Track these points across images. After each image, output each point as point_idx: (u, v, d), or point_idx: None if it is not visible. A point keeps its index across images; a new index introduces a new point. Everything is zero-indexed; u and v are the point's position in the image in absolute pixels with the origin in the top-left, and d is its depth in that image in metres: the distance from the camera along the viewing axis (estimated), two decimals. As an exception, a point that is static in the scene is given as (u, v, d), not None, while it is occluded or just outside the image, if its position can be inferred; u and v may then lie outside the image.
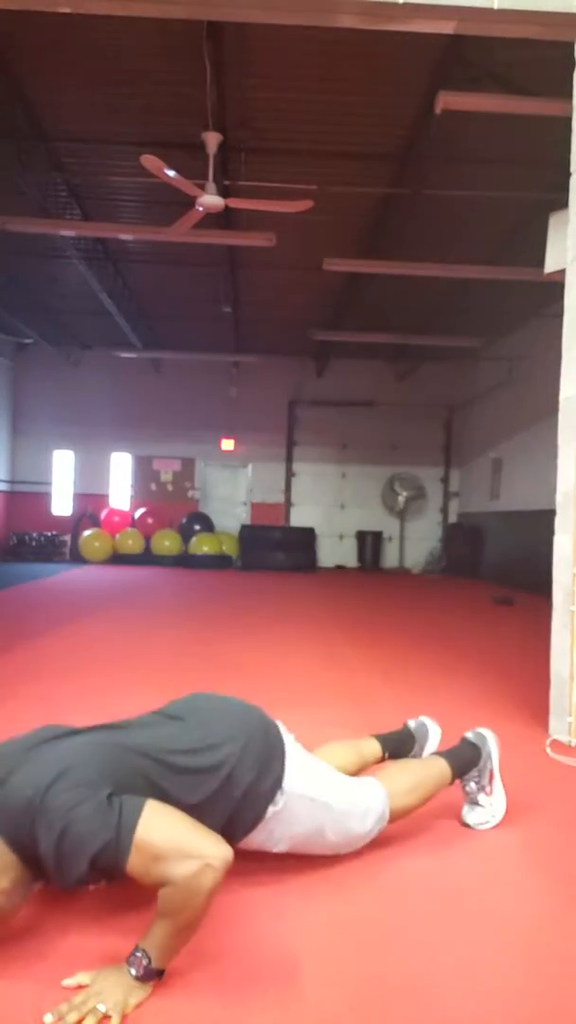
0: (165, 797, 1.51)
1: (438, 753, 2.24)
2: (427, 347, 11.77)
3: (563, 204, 3.41)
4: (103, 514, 13.51)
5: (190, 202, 5.75)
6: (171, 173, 5.22)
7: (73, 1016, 1.31)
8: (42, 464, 14.05)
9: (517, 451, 11.05)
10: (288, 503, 14.20)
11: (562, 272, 3.35)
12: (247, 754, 1.69)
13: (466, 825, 2.18)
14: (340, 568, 13.74)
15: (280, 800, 1.73)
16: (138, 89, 5.59)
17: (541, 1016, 1.38)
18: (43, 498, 14.08)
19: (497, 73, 4.94)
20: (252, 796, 1.68)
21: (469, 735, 2.28)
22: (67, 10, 3.51)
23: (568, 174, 3.28)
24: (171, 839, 1.38)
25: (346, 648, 5.20)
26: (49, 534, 13.40)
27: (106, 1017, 1.32)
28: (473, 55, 4.86)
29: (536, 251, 4.14)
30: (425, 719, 2.46)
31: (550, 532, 3.23)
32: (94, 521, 13.36)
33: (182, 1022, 1.32)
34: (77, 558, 12.88)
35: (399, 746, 2.37)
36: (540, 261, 3.94)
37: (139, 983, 1.38)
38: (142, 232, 7.46)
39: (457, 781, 2.19)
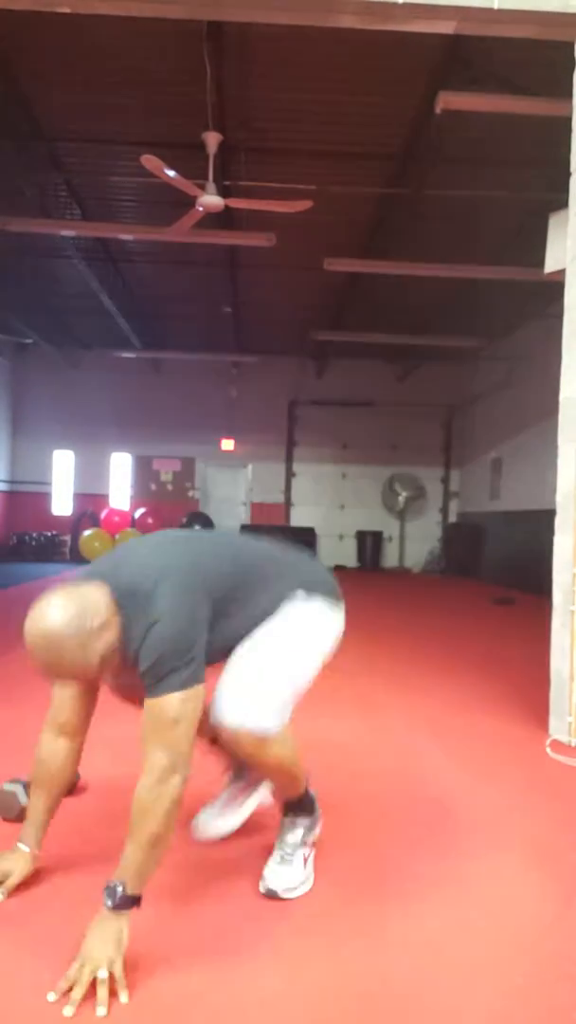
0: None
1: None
2: (427, 347, 11.77)
3: (563, 204, 3.41)
4: (103, 514, 13.50)
5: (190, 202, 5.75)
6: (171, 173, 5.22)
7: (79, 992, 1.33)
8: (42, 464, 14.05)
9: (517, 451, 11.05)
10: (288, 503, 14.20)
11: (562, 272, 3.35)
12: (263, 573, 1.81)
13: (267, 893, 1.75)
14: (340, 568, 13.74)
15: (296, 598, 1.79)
16: (138, 89, 5.59)
17: (541, 1016, 1.38)
18: (43, 498, 14.07)
19: (497, 73, 4.94)
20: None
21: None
22: (67, 10, 3.51)
23: (568, 174, 3.28)
24: (190, 727, 1.51)
25: (345, 648, 5.19)
26: (49, 534, 13.39)
27: (110, 978, 1.35)
28: (473, 55, 4.86)
29: (536, 251, 4.14)
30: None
31: (550, 532, 3.23)
32: (94, 521, 13.36)
33: (183, 1015, 1.32)
34: (77, 558, 12.87)
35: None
36: (540, 261, 3.94)
37: (117, 919, 1.41)
38: (142, 232, 7.46)
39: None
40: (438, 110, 4.89)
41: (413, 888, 1.83)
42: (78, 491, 14.12)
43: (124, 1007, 1.34)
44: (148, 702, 1.51)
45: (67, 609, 1.49)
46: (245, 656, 1.71)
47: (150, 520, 13.38)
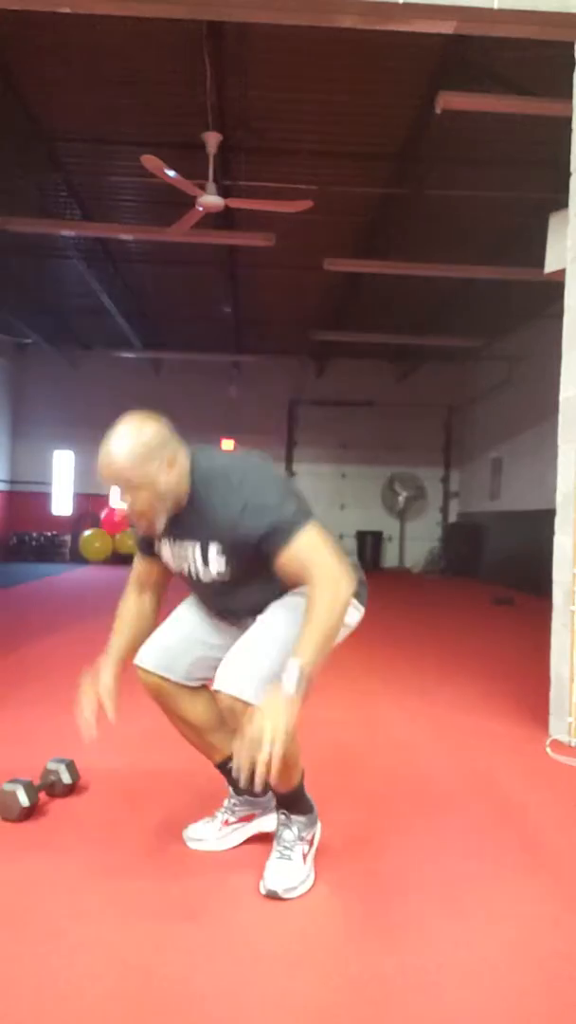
0: None
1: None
2: (427, 347, 11.77)
3: (563, 204, 3.41)
4: (103, 514, 13.50)
5: (190, 202, 5.75)
6: (171, 173, 5.22)
7: (247, 773, 1.47)
8: (42, 464, 14.04)
9: (517, 451, 11.05)
10: (288, 503, 14.19)
11: (562, 272, 3.35)
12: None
13: (268, 894, 1.73)
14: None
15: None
16: (138, 89, 5.58)
17: (541, 1016, 1.38)
18: (43, 498, 14.07)
19: (497, 73, 4.94)
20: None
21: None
22: (67, 10, 3.51)
23: (568, 174, 3.28)
24: (330, 546, 1.68)
25: (345, 648, 5.19)
26: (49, 534, 13.39)
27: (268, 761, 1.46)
28: (473, 55, 4.85)
29: (536, 251, 4.14)
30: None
31: (550, 532, 3.23)
32: (94, 521, 13.36)
33: (184, 1015, 1.32)
34: (77, 558, 12.88)
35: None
36: (540, 261, 3.94)
37: (290, 702, 1.51)
38: (142, 232, 7.46)
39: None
40: (438, 110, 4.88)
41: (413, 888, 1.83)
42: (78, 491, 14.12)
43: (123, 1008, 1.34)
44: (287, 552, 1.64)
45: (141, 432, 1.71)
46: (263, 631, 1.75)
47: (150, 520, 13.37)
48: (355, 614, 1.89)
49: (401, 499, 13.82)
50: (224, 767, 1.98)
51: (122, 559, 12.66)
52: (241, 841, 2.01)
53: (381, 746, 3.02)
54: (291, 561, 1.65)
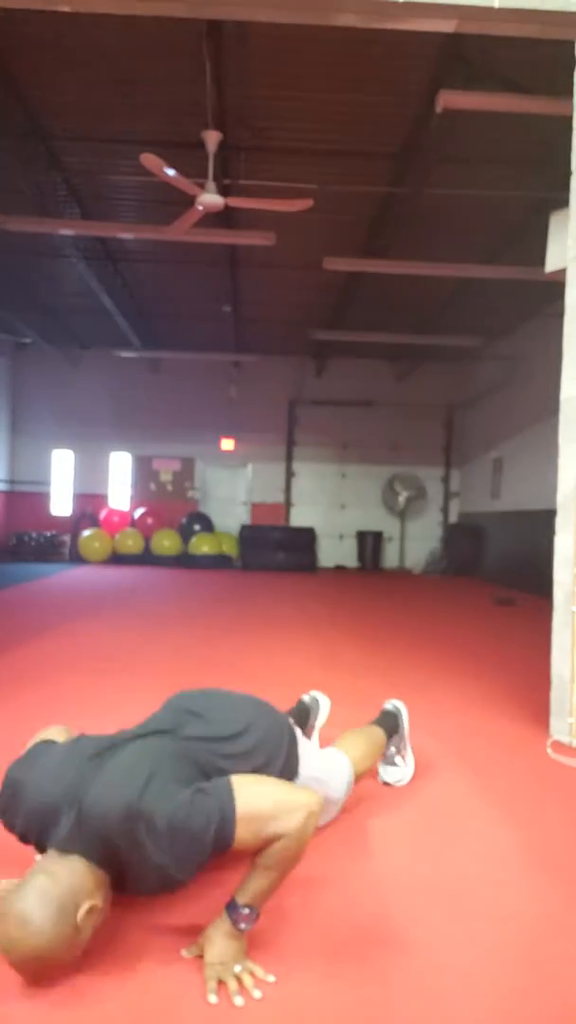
0: None
1: (372, 722, 2.54)
2: (427, 347, 11.76)
3: (564, 203, 3.41)
4: (103, 514, 13.50)
5: (190, 201, 5.74)
6: (171, 172, 5.22)
7: (233, 984, 1.42)
8: (41, 464, 14.04)
9: (518, 451, 11.05)
10: (288, 503, 14.20)
11: (563, 271, 3.34)
12: (269, 736, 1.86)
13: (385, 783, 2.50)
14: (340, 568, 13.74)
15: (297, 781, 1.90)
16: (138, 88, 5.58)
17: (541, 1017, 1.37)
18: (42, 498, 14.07)
19: (498, 72, 4.94)
20: (283, 774, 1.85)
21: (387, 706, 2.62)
22: (67, 9, 3.50)
23: (568, 173, 3.27)
24: (272, 800, 1.48)
25: (346, 648, 5.19)
26: (48, 534, 13.38)
27: (250, 972, 1.45)
28: (474, 54, 4.85)
29: (536, 250, 4.14)
30: (316, 693, 2.75)
31: (551, 532, 3.23)
32: (93, 521, 13.35)
33: (184, 1015, 1.32)
34: (76, 558, 12.87)
35: (299, 719, 2.58)
36: (540, 260, 3.94)
37: (239, 937, 1.48)
38: (142, 231, 7.45)
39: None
40: (438, 109, 4.88)
41: (413, 889, 1.82)
42: (77, 491, 14.12)
43: (123, 1008, 1.34)
44: (236, 845, 1.45)
45: (44, 922, 1.31)
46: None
47: (150, 520, 13.38)
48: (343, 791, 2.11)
49: (401, 499, 13.81)
50: None
51: (122, 559, 12.67)
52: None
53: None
54: (248, 843, 1.46)
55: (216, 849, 1.44)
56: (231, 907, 1.48)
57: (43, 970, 1.37)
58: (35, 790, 1.53)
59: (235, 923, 1.47)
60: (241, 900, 1.49)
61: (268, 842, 1.46)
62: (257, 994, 1.40)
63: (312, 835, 1.50)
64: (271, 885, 1.50)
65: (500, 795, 2.49)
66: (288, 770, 1.88)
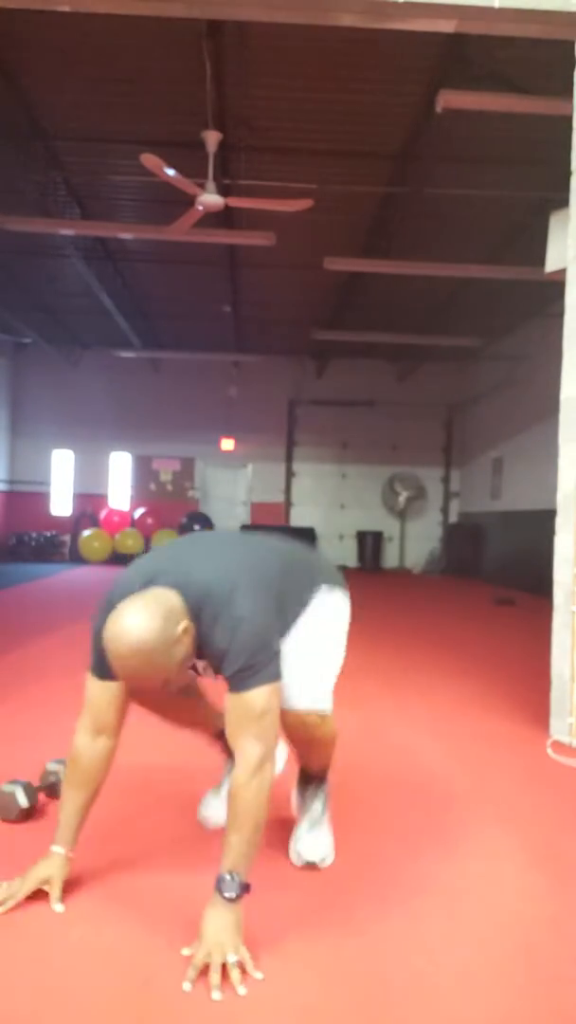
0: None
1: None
2: (427, 347, 11.76)
3: (564, 203, 3.40)
4: (103, 514, 13.49)
5: (190, 201, 5.74)
6: (171, 172, 5.22)
7: (217, 977, 1.40)
8: (41, 464, 14.04)
9: (518, 451, 11.04)
10: (288, 503, 14.20)
11: (563, 271, 3.34)
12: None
13: (308, 863, 1.92)
14: (340, 568, 13.70)
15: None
16: (138, 88, 5.58)
17: (541, 1017, 1.37)
18: (42, 498, 14.07)
19: (498, 72, 4.93)
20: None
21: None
22: (67, 9, 3.50)
23: (568, 173, 3.27)
24: (275, 718, 1.63)
25: (346, 648, 5.19)
26: (48, 534, 13.38)
27: (239, 963, 1.43)
28: (474, 54, 4.85)
29: (536, 250, 4.13)
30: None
31: (551, 532, 3.23)
32: (93, 521, 13.35)
33: (184, 1016, 1.32)
34: (77, 558, 12.87)
35: None
36: (540, 260, 3.94)
37: (234, 908, 1.49)
38: (142, 231, 7.45)
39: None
40: (438, 109, 4.88)
41: (413, 889, 1.82)
42: (77, 491, 14.11)
43: (124, 1009, 1.34)
44: (235, 697, 1.59)
45: (152, 619, 1.50)
46: (302, 650, 1.84)
47: (149, 520, 13.37)
48: (346, 602, 2.05)
49: (401, 499, 13.81)
50: (222, 735, 2.00)
51: (121, 559, 12.66)
52: None
53: (381, 747, 3.02)
54: (234, 710, 1.60)
55: (244, 673, 1.56)
56: (217, 880, 1.51)
57: (143, 671, 1.51)
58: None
59: (220, 892, 1.49)
60: (222, 868, 1.51)
61: (239, 734, 1.57)
62: (242, 991, 1.38)
63: (269, 786, 1.56)
64: (243, 843, 1.52)
65: (500, 795, 2.49)
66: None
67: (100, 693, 1.77)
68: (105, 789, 2.34)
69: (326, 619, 1.94)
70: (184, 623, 1.55)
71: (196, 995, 1.38)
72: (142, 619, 1.50)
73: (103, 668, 1.67)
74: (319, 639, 1.90)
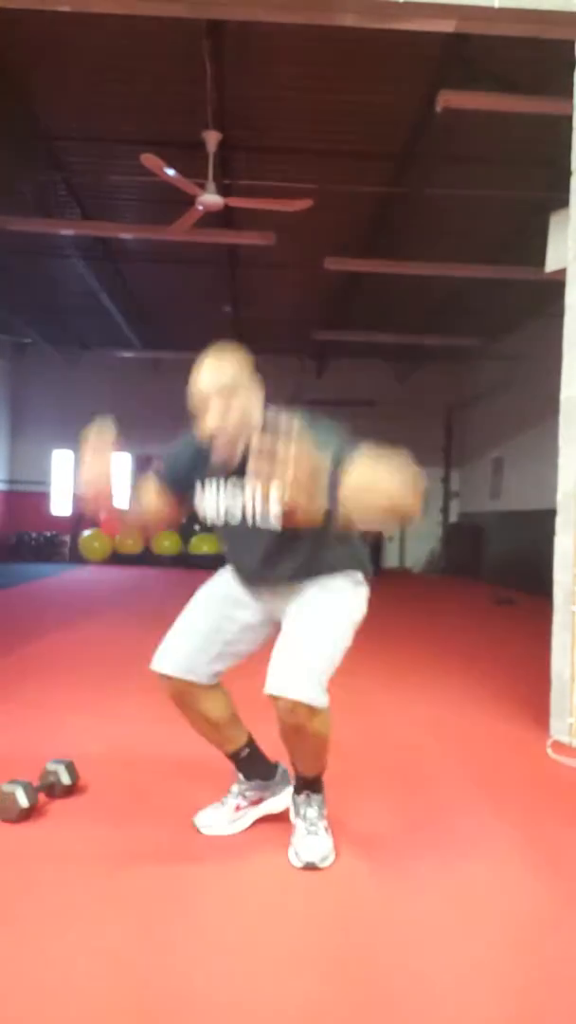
0: None
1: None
2: (427, 347, 11.75)
3: (564, 203, 3.40)
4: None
5: (190, 201, 5.74)
6: (171, 172, 5.22)
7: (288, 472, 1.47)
8: (41, 464, 14.04)
9: (518, 451, 11.04)
10: (288, 503, 14.17)
11: (563, 271, 3.34)
12: None
13: (309, 864, 1.87)
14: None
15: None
16: (138, 88, 5.58)
17: (541, 1017, 1.37)
18: (42, 498, 14.06)
19: (498, 72, 4.93)
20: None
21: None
22: (67, 9, 3.50)
23: (568, 173, 3.27)
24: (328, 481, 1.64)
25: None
26: (48, 534, 13.38)
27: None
28: (474, 54, 4.85)
29: (536, 250, 4.13)
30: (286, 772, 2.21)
31: (551, 532, 3.22)
32: (93, 521, 13.35)
33: (184, 1016, 1.32)
34: (77, 558, 12.87)
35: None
36: (540, 260, 3.94)
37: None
38: (142, 231, 7.45)
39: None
40: (439, 109, 4.87)
41: (413, 889, 1.82)
42: (77, 491, 14.11)
43: (123, 1009, 1.34)
44: (349, 472, 1.63)
45: (231, 361, 1.88)
46: (302, 634, 1.84)
47: (150, 520, 13.35)
48: (364, 603, 1.99)
49: (401, 499, 13.80)
50: (237, 756, 2.08)
51: (122, 559, 12.66)
52: (250, 824, 2.09)
53: (381, 747, 3.02)
54: (355, 475, 1.62)
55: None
56: None
57: (220, 398, 1.81)
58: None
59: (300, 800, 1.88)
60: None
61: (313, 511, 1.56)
62: None
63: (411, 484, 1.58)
64: (370, 469, 1.64)
65: (500, 795, 2.49)
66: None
67: (153, 501, 2.14)
68: (105, 790, 2.34)
69: (340, 612, 1.92)
70: (256, 392, 1.88)
71: (196, 995, 1.39)
72: (223, 359, 1.87)
73: (169, 478, 2.08)
74: (324, 631, 1.87)
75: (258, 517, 1.87)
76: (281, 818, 2.09)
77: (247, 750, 2.09)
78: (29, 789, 2.10)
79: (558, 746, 3.01)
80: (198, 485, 1.98)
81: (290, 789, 2.06)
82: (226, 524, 1.95)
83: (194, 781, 2.38)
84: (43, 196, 7.10)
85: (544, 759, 2.89)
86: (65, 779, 2.27)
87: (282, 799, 2.11)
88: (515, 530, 10.80)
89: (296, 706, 1.75)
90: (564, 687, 3.12)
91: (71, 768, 2.31)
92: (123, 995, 1.38)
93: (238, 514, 1.90)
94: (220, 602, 2.05)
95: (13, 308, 10.68)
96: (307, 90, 5.49)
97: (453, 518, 14.07)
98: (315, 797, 1.98)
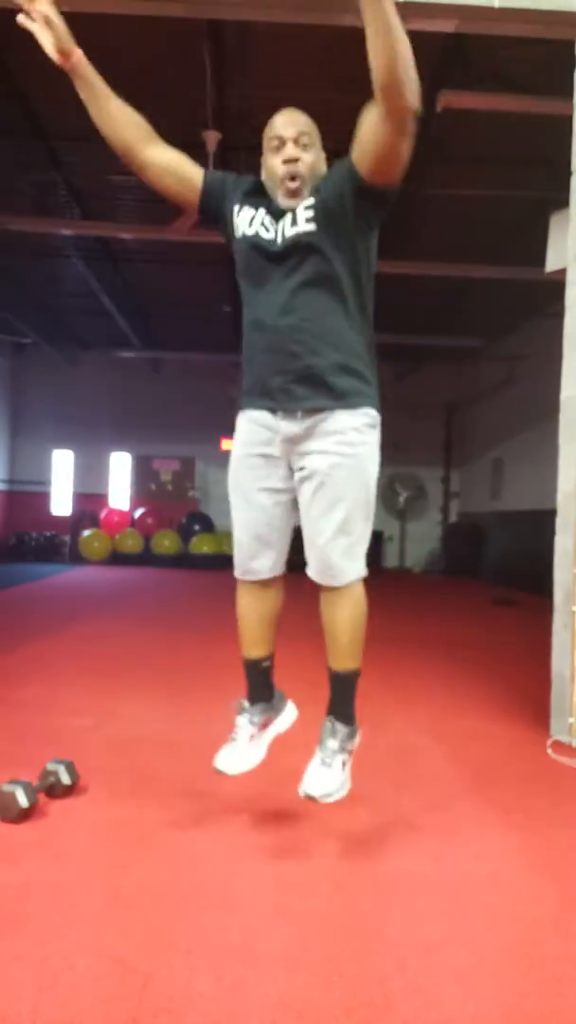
0: None
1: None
2: (427, 347, 11.76)
3: (564, 203, 3.40)
4: (103, 514, 13.49)
5: (190, 201, 5.73)
6: (171, 172, 5.21)
7: None
8: (41, 464, 14.04)
9: (518, 451, 11.04)
10: (288, 503, 14.18)
11: (563, 271, 3.34)
12: None
13: (308, 796, 1.88)
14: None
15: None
16: (138, 88, 5.50)
17: (541, 1017, 1.37)
18: (43, 498, 14.07)
19: (498, 72, 4.93)
20: None
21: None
22: (67, 9, 3.49)
23: (568, 173, 3.27)
24: None
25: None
26: (48, 534, 13.39)
27: None
28: (474, 54, 4.85)
29: (536, 250, 4.13)
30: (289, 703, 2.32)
31: (551, 532, 3.22)
32: (93, 521, 13.35)
33: (184, 1016, 1.32)
34: (76, 558, 12.87)
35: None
36: (541, 260, 3.94)
37: None
38: (142, 231, 7.45)
39: None
40: (439, 109, 4.88)
41: (412, 889, 1.82)
42: (77, 491, 14.12)
43: (123, 1009, 1.34)
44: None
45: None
46: (333, 514, 1.89)
47: (150, 520, 13.37)
48: (378, 438, 2.03)
49: (401, 499, 13.81)
50: (258, 664, 2.11)
51: (122, 559, 12.66)
52: (265, 751, 2.09)
53: (380, 747, 3.01)
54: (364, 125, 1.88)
55: None
56: None
57: (304, 135, 2.15)
58: None
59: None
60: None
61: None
62: None
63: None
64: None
65: (500, 795, 2.49)
66: None
67: (177, 165, 2.25)
68: (105, 784, 2.34)
69: (365, 475, 1.95)
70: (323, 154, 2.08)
71: (196, 995, 1.39)
72: (302, 112, 2.14)
73: (210, 178, 2.20)
74: (354, 505, 1.91)
75: (286, 232, 1.98)
76: (280, 818, 2.09)
77: (269, 661, 2.14)
78: (29, 789, 2.10)
79: (558, 746, 3.01)
80: (236, 207, 2.08)
81: (291, 704, 2.15)
82: (254, 248, 2.04)
83: (195, 783, 2.38)
84: (43, 196, 7.10)
85: (544, 759, 2.89)
86: (65, 779, 2.27)
87: (288, 713, 2.19)
88: (515, 530, 10.80)
89: (353, 583, 1.92)
90: (564, 687, 3.11)
91: (71, 768, 2.30)
92: (123, 996, 1.38)
93: (268, 235, 2.00)
94: (252, 489, 2.04)
95: (13, 308, 10.68)
96: (306, 89, 5.47)
97: (453, 518, 14.08)
98: (340, 728, 1.94)
